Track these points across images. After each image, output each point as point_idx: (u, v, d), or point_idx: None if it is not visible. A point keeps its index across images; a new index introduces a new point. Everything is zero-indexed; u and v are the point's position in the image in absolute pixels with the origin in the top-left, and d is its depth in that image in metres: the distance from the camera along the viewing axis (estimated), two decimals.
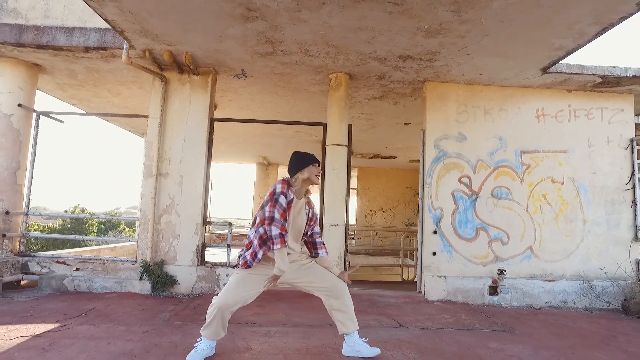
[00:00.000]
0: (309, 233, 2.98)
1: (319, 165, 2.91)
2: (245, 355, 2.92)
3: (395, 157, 11.95)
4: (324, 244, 3.04)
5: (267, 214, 2.65)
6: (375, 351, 2.99)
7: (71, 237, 6.01)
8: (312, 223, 2.96)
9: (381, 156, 11.70)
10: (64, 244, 16.93)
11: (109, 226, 25.44)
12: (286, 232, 2.69)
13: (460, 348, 3.32)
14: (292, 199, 2.77)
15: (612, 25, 3.77)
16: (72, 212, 25.60)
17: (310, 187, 2.96)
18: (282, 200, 2.68)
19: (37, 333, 3.26)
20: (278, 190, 2.70)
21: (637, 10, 3.45)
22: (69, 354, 2.81)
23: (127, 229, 26.25)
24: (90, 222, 25.66)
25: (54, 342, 3.04)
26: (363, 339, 3.02)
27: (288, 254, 2.78)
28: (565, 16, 3.71)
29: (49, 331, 3.32)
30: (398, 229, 9.98)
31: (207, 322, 2.78)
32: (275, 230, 2.60)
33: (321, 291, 2.90)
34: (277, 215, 2.64)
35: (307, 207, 2.95)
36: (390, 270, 8.74)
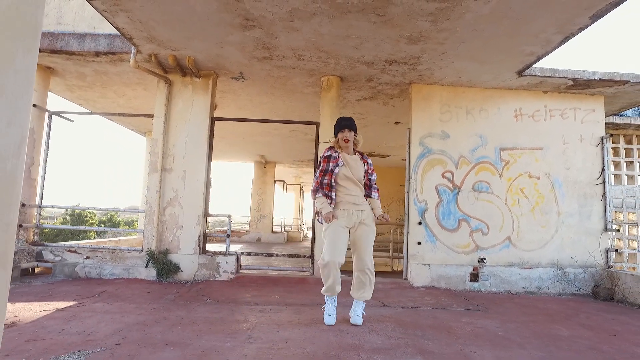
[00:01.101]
0: (366, 179, 3.63)
1: (347, 131, 3.52)
2: (243, 326, 3.33)
3: (388, 156, 12.37)
4: (377, 189, 3.68)
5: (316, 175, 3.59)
6: (357, 321, 3.45)
7: (81, 228, 6.40)
8: (369, 171, 3.63)
9: (375, 154, 12.12)
10: (68, 239, 17.30)
11: (108, 225, 25.81)
12: (328, 186, 3.46)
13: (435, 322, 3.74)
14: (338, 155, 3.52)
15: (573, 34, 4.20)
16: (73, 211, 25.95)
17: (354, 145, 3.62)
18: (327, 157, 3.54)
19: (60, 308, 3.67)
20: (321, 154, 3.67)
21: (592, 22, 3.87)
22: (89, 322, 3.22)
23: (127, 227, 26.62)
24: (90, 221, 26.02)
25: (76, 315, 3.45)
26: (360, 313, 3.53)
27: (349, 195, 3.48)
28: (531, 26, 4.13)
29: (69, 307, 3.73)
30: (389, 223, 10.40)
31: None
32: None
33: (357, 254, 3.50)
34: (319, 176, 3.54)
35: (362, 161, 3.63)
36: (381, 262, 9.16)
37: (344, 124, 3.54)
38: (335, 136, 3.61)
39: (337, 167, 3.48)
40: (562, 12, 3.80)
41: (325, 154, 3.57)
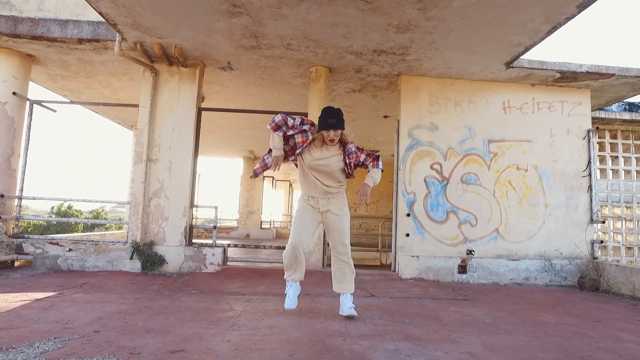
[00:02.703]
0: (354, 166, 3.28)
1: (333, 132, 3.09)
2: (228, 314, 3.27)
3: (378, 151, 12.35)
4: (374, 159, 3.34)
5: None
6: (351, 313, 3.24)
7: (64, 220, 6.25)
8: (354, 160, 3.23)
9: None
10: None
11: (94, 224, 25.39)
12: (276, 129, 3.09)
13: (423, 310, 3.71)
14: (311, 139, 3.16)
15: (560, 24, 4.20)
16: (59, 209, 25.52)
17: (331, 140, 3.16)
18: (297, 122, 3.14)
19: (38, 298, 3.56)
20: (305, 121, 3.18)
21: (579, 12, 3.88)
22: (69, 312, 3.12)
23: (113, 225, 26.25)
24: (75, 220, 25.57)
25: (54, 304, 3.35)
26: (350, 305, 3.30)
27: (317, 182, 3.21)
28: (519, 15, 4.12)
29: (48, 297, 3.62)
30: (378, 217, 10.39)
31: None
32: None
33: (330, 242, 3.36)
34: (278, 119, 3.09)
35: (342, 155, 3.22)
36: (370, 256, 9.15)
37: (330, 123, 3.07)
38: (320, 130, 3.14)
39: (299, 148, 3.17)
40: (549, 1, 3.79)
41: (304, 126, 3.14)
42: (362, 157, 3.30)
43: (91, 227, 24.65)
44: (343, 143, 3.25)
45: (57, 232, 21.16)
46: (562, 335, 3.01)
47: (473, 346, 2.63)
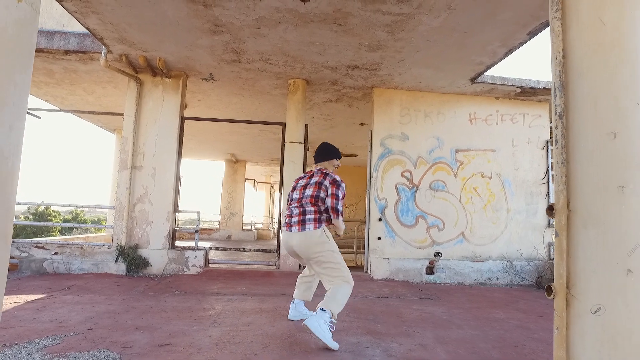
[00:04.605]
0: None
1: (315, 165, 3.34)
2: (209, 313, 3.57)
3: (357, 155, 12.76)
4: (334, 211, 3.29)
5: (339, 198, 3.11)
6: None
7: (48, 224, 6.42)
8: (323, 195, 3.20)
9: (343, 154, 12.48)
10: (31, 237, 16.84)
11: (74, 224, 25.14)
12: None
13: (388, 308, 4.08)
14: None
15: (515, 47, 4.64)
16: (36, 209, 25.20)
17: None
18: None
19: (29, 300, 3.80)
20: (339, 179, 3.18)
21: (529, 38, 4.32)
22: (60, 312, 3.38)
23: (93, 228, 25.99)
24: (54, 220, 25.26)
25: (46, 306, 3.59)
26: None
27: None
28: (478, 39, 4.54)
29: (39, 299, 3.86)
30: (355, 220, 10.78)
31: (341, 301, 2.88)
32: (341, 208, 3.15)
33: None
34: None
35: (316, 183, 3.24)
36: (346, 257, 9.50)
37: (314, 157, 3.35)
38: (337, 161, 3.40)
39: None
40: (503, 28, 4.22)
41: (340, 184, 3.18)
42: (328, 200, 3.11)
43: (69, 229, 24.43)
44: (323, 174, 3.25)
45: (34, 233, 20.94)
46: (505, 328, 3.42)
47: (425, 339, 3.01)
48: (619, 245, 1.35)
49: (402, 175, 6.27)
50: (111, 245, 5.63)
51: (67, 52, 5.49)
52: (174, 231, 5.90)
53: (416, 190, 6.28)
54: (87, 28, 4.69)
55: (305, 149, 6.12)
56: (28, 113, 6.08)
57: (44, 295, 4.02)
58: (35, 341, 2.57)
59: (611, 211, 1.36)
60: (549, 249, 6.39)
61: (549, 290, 1.52)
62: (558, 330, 1.45)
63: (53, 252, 5.55)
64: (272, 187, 21.33)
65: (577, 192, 1.43)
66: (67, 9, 4.28)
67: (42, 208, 24.65)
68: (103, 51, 5.27)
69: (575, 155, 1.44)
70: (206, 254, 5.82)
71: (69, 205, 6.92)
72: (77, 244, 5.63)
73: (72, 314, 3.32)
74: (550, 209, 1.52)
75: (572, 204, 1.44)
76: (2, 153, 1.17)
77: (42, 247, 5.56)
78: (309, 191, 3.11)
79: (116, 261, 5.50)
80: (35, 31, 1.31)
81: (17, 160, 1.23)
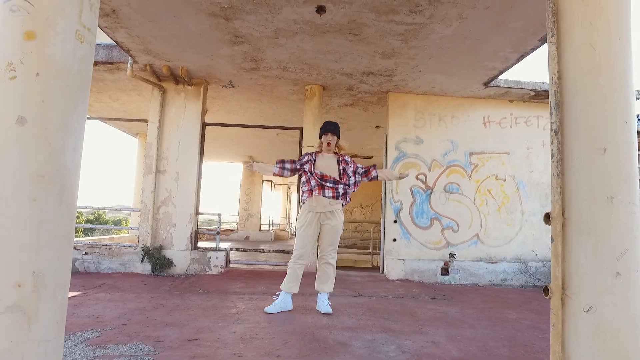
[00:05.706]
0: (353, 176, 3.90)
1: (330, 135, 3.88)
2: (232, 311, 3.78)
3: (372, 157, 12.89)
4: (372, 168, 3.98)
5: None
6: (328, 310, 3.80)
7: (80, 225, 6.74)
8: (352, 168, 3.89)
9: (359, 156, 12.62)
10: None
11: (96, 224, 25.84)
12: (289, 170, 3.91)
13: (403, 308, 4.23)
14: (314, 156, 3.91)
15: (527, 53, 4.73)
16: None
17: (338, 148, 3.98)
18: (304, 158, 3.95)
19: None
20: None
21: (541, 44, 4.41)
22: (96, 308, 3.64)
23: (114, 229, 26.72)
24: (77, 220, 25.98)
25: (82, 302, 3.86)
26: (328, 302, 3.90)
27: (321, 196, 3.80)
28: (490, 45, 4.65)
29: (75, 296, 4.14)
30: (371, 221, 10.94)
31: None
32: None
33: (320, 247, 3.94)
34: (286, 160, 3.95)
35: (338, 162, 3.90)
36: (362, 259, 9.67)
37: (328, 128, 3.89)
38: (320, 138, 3.98)
39: (308, 164, 3.84)
40: (514, 36, 4.33)
41: (304, 157, 3.96)
42: (359, 166, 3.96)
43: (91, 230, 25.12)
44: (340, 155, 3.96)
45: None
46: (517, 328, 3.54)
47: (438, 337, 3.16)
48: (608, 250, 1.49)
49: (416, 178, 6.39)
50: (137, 246, 5.91)
51: (96, 64, 5.78)
52: (196, 233, 6.15)
53: (431, 193, 6.39)
54: (115, 41, 4.96)
55: None
56: None
57: (79, 293, 4.29)
58: (77, 334, 2.82)
59: (601, 219, 1.51)
60: None
61: (546, 291, 1.65)
62: (554, 327, 1.59)
63: (84, 252, 5.86)
64: (289, 188, 21.59)
65: (571, 202, 1.58)
66: (98, 25, 4.55)
67: None
68: (129, 62, 5.55)
69: (569, 168, 1.59)
70: (227, 255, 6.06)
71: (91, 208, 7.27)
72: (106, 245, 5.94)
73: (107, 310, 3.57)
74: (547, 217, 1.67)
75: (567, 212, 1.59)
76: (68, 170, 1.39)
77: (74, 248, 5.87)
78: None
79: (142, 261, 5.78)
80: (91, 64, 1.52)
81: (77, 174, 1.44)
